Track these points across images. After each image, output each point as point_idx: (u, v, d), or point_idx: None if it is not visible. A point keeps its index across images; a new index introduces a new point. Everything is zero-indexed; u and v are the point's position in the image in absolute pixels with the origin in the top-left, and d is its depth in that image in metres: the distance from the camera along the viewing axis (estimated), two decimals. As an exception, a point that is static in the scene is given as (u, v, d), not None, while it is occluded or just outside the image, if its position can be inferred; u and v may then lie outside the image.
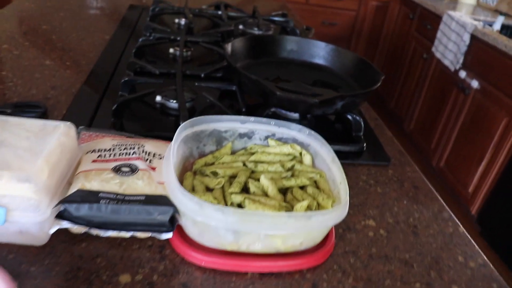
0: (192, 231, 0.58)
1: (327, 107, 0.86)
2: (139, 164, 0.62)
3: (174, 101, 0.91)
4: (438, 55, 2.78)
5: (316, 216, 0.55)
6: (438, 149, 2.81)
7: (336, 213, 0.57)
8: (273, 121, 0.74)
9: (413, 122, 3.16)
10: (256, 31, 1.43)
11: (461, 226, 0.76)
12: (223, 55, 1.16)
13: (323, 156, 0.70)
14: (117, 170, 0.60)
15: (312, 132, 0.73)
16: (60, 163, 0.58)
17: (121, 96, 0.92)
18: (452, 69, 2.64)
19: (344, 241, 0.67)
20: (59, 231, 0.58)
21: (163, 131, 0.83)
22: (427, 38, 3.02)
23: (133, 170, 0.61)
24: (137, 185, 0.59)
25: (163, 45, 1.25)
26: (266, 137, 0.75)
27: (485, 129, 2.38)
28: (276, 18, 1.62)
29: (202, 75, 1.05)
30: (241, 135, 0.74)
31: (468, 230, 0.77)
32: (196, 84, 0.99)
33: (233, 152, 0.74)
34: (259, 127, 0.74)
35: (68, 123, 0.63)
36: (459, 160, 2.61)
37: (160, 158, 0.65)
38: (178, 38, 1.24)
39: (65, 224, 0.56)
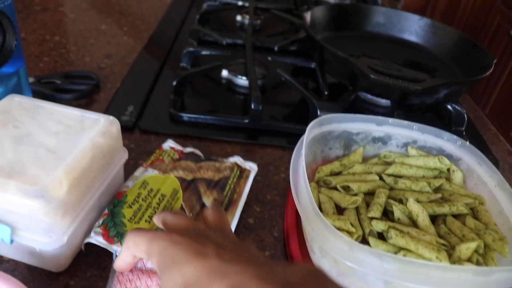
0: (329, 270, 0.45)
1: (428, 96, 0.70)
2: None
3: (243, 77, 0.78)
4: (527, 32, 2.49)
5: (501, 272, 0.40)
6: (517, 137, 2.55)
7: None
8: (416, 125, 0.60)
9: (489, 106, 2.89)
10: (332, -1, 1.27)
11: None
12: (299, 26, 1.01)
13: (481, 177, 0.55)
14: None
15: (467, 143, 0.57)
16: (89, 173, 0.44)
17: (183, 69, 0.80)
18: (544, 49, 2.35)
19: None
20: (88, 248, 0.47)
21: (230, 113, 0.71)
22: (515, 13, 2.71)
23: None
24: None
25: (229, 11, 1.11)
26: (405, 144, 0.61)
27: None
28: (354, -15, 1.44)
29: (276, 49, 0.91)
30: (375, 140, 0.61)
31: None
32: (269, 58, 0.85)
33: (363, 159, 0.61)
34: (398, 131, 0.60)
35: (111, 118, 0.49)
36: (542, 152, 2.35)
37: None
38: (247, 4, 1.10)
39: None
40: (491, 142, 0.80)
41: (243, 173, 0.57)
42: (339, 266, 0.43)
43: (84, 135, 0.46)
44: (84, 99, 0.72)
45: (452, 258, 0.46)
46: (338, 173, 0.58)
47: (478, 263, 0.46)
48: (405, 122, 0.60)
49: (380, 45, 0.95)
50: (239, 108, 0.75)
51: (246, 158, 0.64)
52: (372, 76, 0.65)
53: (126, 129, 0.66)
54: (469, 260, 0.46)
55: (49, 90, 0.71)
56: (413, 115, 0.79)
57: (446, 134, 0.59)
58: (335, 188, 0.55)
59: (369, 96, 0.79)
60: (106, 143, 0.47)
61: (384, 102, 0.79)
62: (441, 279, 0.39)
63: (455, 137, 0.59)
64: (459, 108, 0.77)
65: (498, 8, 2.92)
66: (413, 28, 0.96)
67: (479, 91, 3.04)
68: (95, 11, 1.06)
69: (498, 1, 2.93)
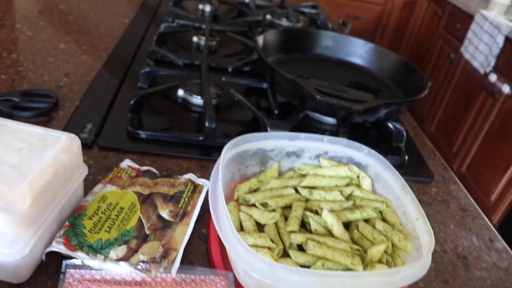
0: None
1: (370, 115, 0.77)
2: None
3: (199, 97, 0.82)
4: (467, 56, 2.66)
5: (404, 271, 0.45)
6: (460, 153, 2.70)
7: (423, 265, 0.47)
8: (325, 138, 0.64)
9: (435, 124, 3.05)
10: (285, 23, 1.34)
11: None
12: (253, 48, 1.07)
13: (387, 181, 0.60)
14: None
15: (372, 151, 0.63)
16: (51, 188, 0.47)
17: (141, 89, 0.84)
18: (482, 71, 2.52)
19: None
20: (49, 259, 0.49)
21: (185, 131, 0.74)
22: (456, 38, 2.89)
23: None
24: None
25: (186, 33, 1.16)
26: (317, 156, 0.65)
27: (514, 137, 2.26)
28: (306, 10, 1.52)
29: (230, 69, 0.96)
30: (289, 154, 0.64)
31: None
32: (224, 79, 0.90)
33: (279, 174, 0.64)
34: (310, 144, 0.64)
35: (72, 135, 0.51)
36: (483, 167, 2.50)
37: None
38: (203, 26, 1.15)
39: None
40: (427, 157, 0.87)
41: (196, 188, 0.61)
42: (263, 285, 0.45)
43: (47, 151, 0.48)
44: (43, 117, 0.74)
45: (365, 261, 0.51)
46: (256, 190, 0.61)
47: (387, 262, 0.52)
48: (316, 136, 0.64)
49: (329, 67, 1.01)
50: (194, 126, 0.79)
51: (200, 172, 0.67)
52: (318, 97, 0.71)
53: (85, 146, 0.68)
54: (380, 260, 0.51)
55: (7, 108, 0.73)
56: (357, 133, 0.85)
57: (354, 144, 0.64)
58: (255, 205, 0.58)
59: (316, 114, 0.85)
60: (67, 159, 0.49)
61: (331, 120, 0.85)
62: (356, 285, 0.43)
63: (362, 146, 0.64)
64: (399, 126, 0.84)
65: (440, 33, 3.11)
66: (358, 52, 1.04)
67: (425, 110, 3.21)
68: (53, 29, 1.08)
69: (440, 26, 3.12)
